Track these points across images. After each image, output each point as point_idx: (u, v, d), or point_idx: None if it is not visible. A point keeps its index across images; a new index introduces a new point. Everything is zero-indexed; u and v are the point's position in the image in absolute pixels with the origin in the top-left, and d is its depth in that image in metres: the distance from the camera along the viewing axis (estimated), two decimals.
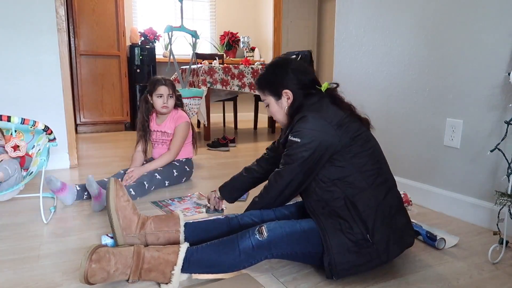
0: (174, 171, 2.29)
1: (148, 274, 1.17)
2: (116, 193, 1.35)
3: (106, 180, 2.14)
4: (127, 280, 1.18)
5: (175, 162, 2.34)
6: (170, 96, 2.31)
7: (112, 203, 1.33)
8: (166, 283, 1.17)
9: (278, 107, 1.40)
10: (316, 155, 1.24)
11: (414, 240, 1.34)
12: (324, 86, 1.36)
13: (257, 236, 1.22)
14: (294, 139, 1.27)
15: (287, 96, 1.36)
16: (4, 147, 1.90)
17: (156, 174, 2.19)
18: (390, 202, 1.26)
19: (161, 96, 2.29)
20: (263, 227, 1.24)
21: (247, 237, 1.23)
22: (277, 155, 1.47)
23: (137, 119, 2.45)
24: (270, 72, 1.41)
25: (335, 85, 1.39)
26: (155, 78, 2.34)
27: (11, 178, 1.83)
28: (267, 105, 1.43)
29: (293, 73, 1.35)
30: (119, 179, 2.20)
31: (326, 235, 1.21)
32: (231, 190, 1.69)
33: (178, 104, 2.48)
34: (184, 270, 1.19)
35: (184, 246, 1.22)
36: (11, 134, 1.98)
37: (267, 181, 1.41)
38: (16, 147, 1.87)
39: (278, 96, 1.38)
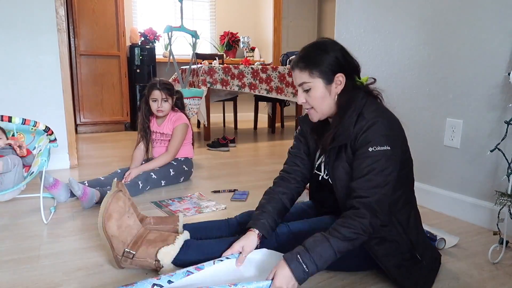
0: (171, 170, 2.30)
1: (147, 244, 1.24)
2: (116, 198, 1.30)
3: (102, 178, 2.17)
4: (121, 255, 1.23)
5: (173, 162, 2.35)
6: (165, 100, 2.32)
7: (101, 229, 1.27)
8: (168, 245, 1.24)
9: (326, 93, 1.16)
10: (396, 162, 1.11)
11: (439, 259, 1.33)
12: (364, 79, 1.22)
13: None
14: (382, 148, 1.07)
15: (340, 81, 1.16)
16: (10, 144, 1.90)
17: (152, 173, 2.20)
18: (419, 218, 1.26)
19: (155, 101, 2.31)
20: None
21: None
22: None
23: (138, 120, 2.47)
24: (321, 50, 1.16)
25: (372, 80, 1.23)
26: (151, 82, 2.36)
27: (10, 174, 1.82)
28: (308, 89, 1.17)
29: (348, 57, 1.18)
30: (119, 180, 2.20)
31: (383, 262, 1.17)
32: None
33: (178, 106, 2.48)
34: (180, 255, 1.23)
35: (185, 232, 1.32)
36: (13, 135, 1.98)
37: (344, 219, 1.08)
38: (20, 147, 1.88)
39: (329, 79, 1.15)
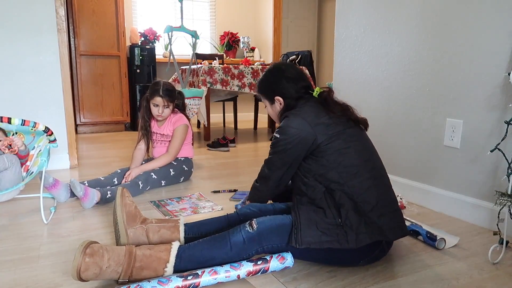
0: (171, 170, 2.30)
1: (140, 272, 1.17)
2: (122, 193, 1.42)
3: (102, 179, 2.16)
4: (117, 281, 1.18)
5: (173, 162, 2.36)
6: (166, 107, 2.31)
7: (118, 200, 1.40)
8: None
9: (272, 110, 1.54)
10: (293, 149, 1.35)
11: (392, 237, 1.32)
12: (316, 91, 1.45)
13: (248, 229, 1.25)
14: (276, 134, 1.40)
15: (279, 102, 1.48)
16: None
17: (152, 173, 2.21)
18: (368, 199, 1.27)
19: (156, 106, 2.31)
20: (253, 220, 1.28)
21: (238, 231, 1.26)
22: None
23: (139, 118, 2.47)
24: (265, 79, 1.53)
25: (326, 90, 1.47)
26: (154, 85, 2.31)
27: (8, 173, 1.82)
28: (265, 107, 1.58)
29: (286, 81, 1.46)
30: (119, 181, 2.20)
31: (297, 212, 1.29)
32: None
33: (180, 107, 2.48)
34: (176, 267, 1.19)
35: (176, 243, 1.24)
36: (13, 135, 1.98)
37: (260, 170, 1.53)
38: (9, 145, 1.86)
39: (271, 100, 1.51)
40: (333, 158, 1.31)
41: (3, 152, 1.87)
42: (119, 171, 2.26)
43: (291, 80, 1.46)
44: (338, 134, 1.33)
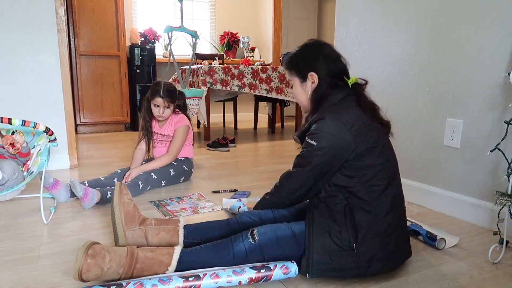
0: (171, 170, 2.30)
1: (140, 274, 1.17)
2: (120, 191, 1.40)
3: (102, 179, 2.16)
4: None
5: (173, 162, 2.36)
6: (167, 107, 2.31)
7: (116, 198, 1.38)
8: None
9: (302, 90, 1.35)
10: (330, 160, 1.21)
11: (402, 261, 1.31)
12: (352, 80, 1.31)
13: (250, 240, 1.22)
14: (311, 141, 1.24)
15: (312, 80, 1.31)
16: (3, 147, 1.89)
17: (152, 173, 2.21)
18: (389, 220, 1.22)
19: (157, 106, 2.30)
20: (254, 231, 1.24)
21: (240, 241, 1.23)
22: None
23: (140, 118, 2.47)
24: (300, 52, 1.35)
25: (364, 82, 1.33)
26: (155, 86, 2.31)
27: (10, 181, 1.82)
28: (292, 86, 1.40)
29: (324, 58, 1.30)
30: (119, 181, 2.20)
31: (311, 234, 1.21)
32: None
33: (181, 107, 2.47)
34: (177, 271, 1.19)
35: (178, 248, 1.23)
36: (12, 133, 1.98)
37: (278, 180, 1.38)
38: (13, 145, 1.86)
39: (303, 77, 1.33)
40: (363, 174, 1.21)
41: (8, 151, 1.87)
42: (119, 171, 2.26)
43: (330, 59, 1.30)
44: (374, 147, 1.22)
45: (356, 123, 1.22)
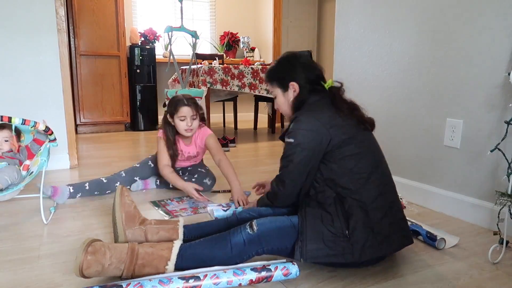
0: (207, 180, 2.24)
1: (142, 269, 1.17)
2: (121, 192, 1.42)
3: (104, 180, 2.12)
4: (120, 277, 1.18)
5: (203, 169, 2.29)
6: (194, 118, 2.06)
7: (118, 199, 1.40)
8: None
9: (284, 99, 1.44)
10: (310, 154, 1.28)
11: (398, 248, 1.34)
12: (328, 84, 1.40)
13: (248, 231, 1.24)
14: (289, 140, 1.31)
15: (294, 89, 1.40)
16: (10, 150, 1.90)
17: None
18: (378, 207, 1.25)
19: (183, 120, 2.04)
20: (253, 222, 1.27)
21: (238, 232, 1.25)
22: None
23: (163, 137, 2.14)
24: (279, 65, 1.46)
25: (339, 84, 1.42)
26: (174, 99, 2.09)
27: (12, 183, 1.82)
28: (275, 97, 1.48)
29: (301, 68, 1.41)
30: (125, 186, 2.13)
31: (304, 221, 1.25)
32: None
33: (203, 118, 2.22)
34: (177, 265, 1.20)
35: (177, 242, 1.25)
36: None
37: (270, 187, 1.45)
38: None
39: (285, 88, 1.43)
40: (345, 163, 1.26)
41: (12, 151, 1.88)
42: (124, 174, 2.17)
43: (307, 68, 1.42)
44: (350, 138, 1.28)
45: (329, 118, 1.29)
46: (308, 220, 1.25)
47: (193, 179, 2.16)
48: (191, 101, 2.07)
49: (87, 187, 2.06)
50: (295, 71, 1.41)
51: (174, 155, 2.14)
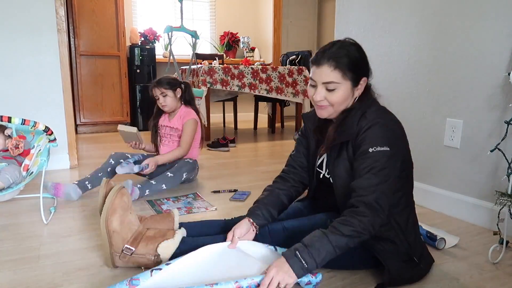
0: (184, 174, 2.24)
1: (147, 240, 1.24)
2: (121, 193, 1.28)
3: (99, 174, 2.13)
4: (120, 252, 1.23)
5: (173, 164, 2.26)
6: (164, 95, 2.31)
7: (103, 224, 1.24)
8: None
9: (349, 95, 1.18)
10: (398, 166, 1.13)
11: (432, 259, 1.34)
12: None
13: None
14: (382, 148, 1.09)
15: (362, 86, 1.20)
16: (6, 150, 1.90)
17: (163, 185, 2.11)
18: (412, 218, 1.25)
19: (157, 98, 2.34)
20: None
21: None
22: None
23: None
24: (361, 55, 1.21)
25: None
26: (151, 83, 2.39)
27: (12, 184, 1.83)
28: (333, 89, 1.16)
29: (367, 60, 1.23)
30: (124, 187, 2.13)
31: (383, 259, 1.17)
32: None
33: (186, 98, 2.42)
34: (177, 250, 1.23)
35: (182, 229, 1.32)
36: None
37: (339, 224, 1.07)
38: (17, 147, 1.87)
39: (356, 83, 1.18)
40: (406, 174, 1.19)
41: (11, 153, 1.88)
42: (113, 162, 2.19)
43: (367, 60, 1.22)
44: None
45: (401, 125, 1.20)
46: (384, 255, 1.17)
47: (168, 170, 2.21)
48: (159, 81, 2.32)
49: (88, 185, 2.07)
50: (368, 65, 1.21)
51: (155, 128, 2.45)
